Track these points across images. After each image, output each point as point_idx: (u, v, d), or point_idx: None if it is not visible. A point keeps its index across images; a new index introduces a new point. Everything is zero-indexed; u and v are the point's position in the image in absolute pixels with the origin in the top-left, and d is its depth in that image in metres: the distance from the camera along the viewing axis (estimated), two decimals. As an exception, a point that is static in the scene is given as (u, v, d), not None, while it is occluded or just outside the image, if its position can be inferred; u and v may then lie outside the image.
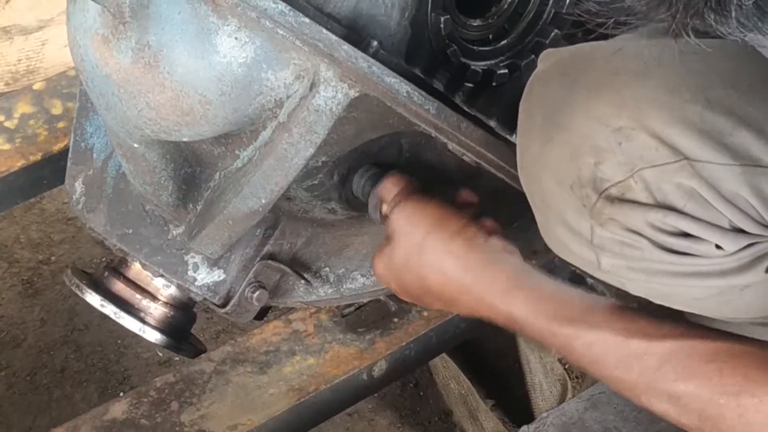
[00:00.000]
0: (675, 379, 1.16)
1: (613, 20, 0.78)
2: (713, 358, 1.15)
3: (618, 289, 1.26)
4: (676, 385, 1.16)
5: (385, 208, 1.41)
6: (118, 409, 1.62)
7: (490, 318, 1.32)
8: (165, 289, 1.54)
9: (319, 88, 1.24)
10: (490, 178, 1.42)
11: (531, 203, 1.29)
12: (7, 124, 1.78)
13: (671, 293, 1.21)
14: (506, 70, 1.44)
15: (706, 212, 1.17)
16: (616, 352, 1.20)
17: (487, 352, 2.00)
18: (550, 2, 1.45)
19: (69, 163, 1.58)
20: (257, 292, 1.51)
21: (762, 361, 1.13)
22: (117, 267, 1.56)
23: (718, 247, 1.19)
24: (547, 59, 1.31)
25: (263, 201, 1.32)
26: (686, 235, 1.18)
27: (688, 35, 0.78)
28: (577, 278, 1.55)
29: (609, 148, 1.17)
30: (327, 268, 1.57)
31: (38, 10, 2.27)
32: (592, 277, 1.25)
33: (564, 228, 1.23)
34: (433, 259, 1.35)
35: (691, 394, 1.14)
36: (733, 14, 0.73)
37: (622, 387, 1.22)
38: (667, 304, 1.21)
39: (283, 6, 1.21)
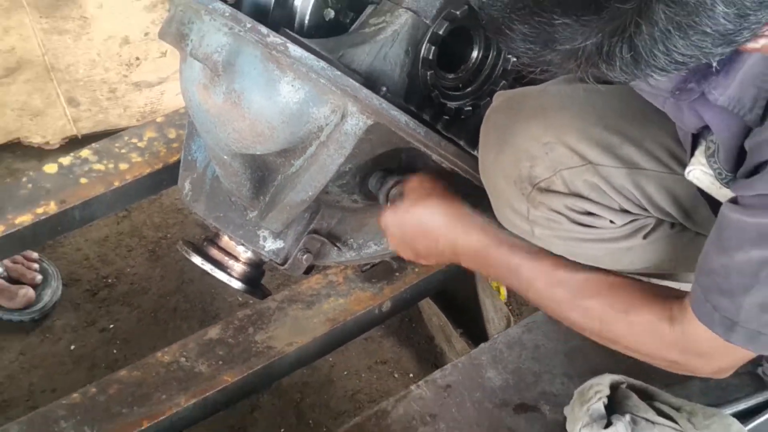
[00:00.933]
0: (588, 296, 1.15)
1: (539, 69, 0.78)
2: (614, 285, 1.15)
3: None
4: (587, 300, 1.15)
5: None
6: (213, 332, 1.63)
7: (468, 246, 1.25)
8: (244, 253, 1.54)
9: (347, 118, 1.24)
10: (461, 178, 1.42)
11: (488, 194, 1.29)
12: (139, 144, 1.77)
13: (581, 253, 1.21)
14: (471, 108, 1.45)
15: (603, 199, 1.18)
16: (550, 277, 1.19)
17: (458, 296, 2.00)
18: (500, 63, 1.45)
19: (180, 170, 1.58)
20: (305, 255, 1.50)
21: (645, 292, 1.12)
22: (212, 239, 1.55)
23: (611, 222, 1.20)
24: (498, 98, 1.32)
25: (309, 194, 1.32)
26: (590, 213, 1.19)
27: (589, 79, 0.79)
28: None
29: (539, 156, 1.18)
30: (351, 240, 1.56)
31: (159, 71, 2.27)
32: (528, 242, 1.25)
33: (510, 209, 1.24)
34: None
35: (596, 307, 1.14)
36: (617, 64, 0.73)
37: (552, 303, 1.19)
38: (578, 260, 1.22)
39: (323, 64, 1.21)
